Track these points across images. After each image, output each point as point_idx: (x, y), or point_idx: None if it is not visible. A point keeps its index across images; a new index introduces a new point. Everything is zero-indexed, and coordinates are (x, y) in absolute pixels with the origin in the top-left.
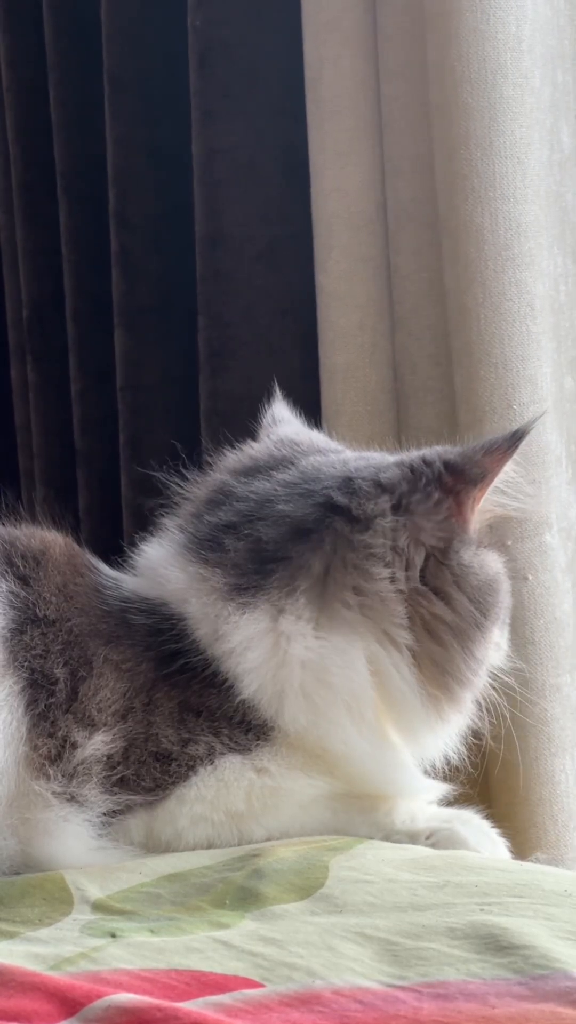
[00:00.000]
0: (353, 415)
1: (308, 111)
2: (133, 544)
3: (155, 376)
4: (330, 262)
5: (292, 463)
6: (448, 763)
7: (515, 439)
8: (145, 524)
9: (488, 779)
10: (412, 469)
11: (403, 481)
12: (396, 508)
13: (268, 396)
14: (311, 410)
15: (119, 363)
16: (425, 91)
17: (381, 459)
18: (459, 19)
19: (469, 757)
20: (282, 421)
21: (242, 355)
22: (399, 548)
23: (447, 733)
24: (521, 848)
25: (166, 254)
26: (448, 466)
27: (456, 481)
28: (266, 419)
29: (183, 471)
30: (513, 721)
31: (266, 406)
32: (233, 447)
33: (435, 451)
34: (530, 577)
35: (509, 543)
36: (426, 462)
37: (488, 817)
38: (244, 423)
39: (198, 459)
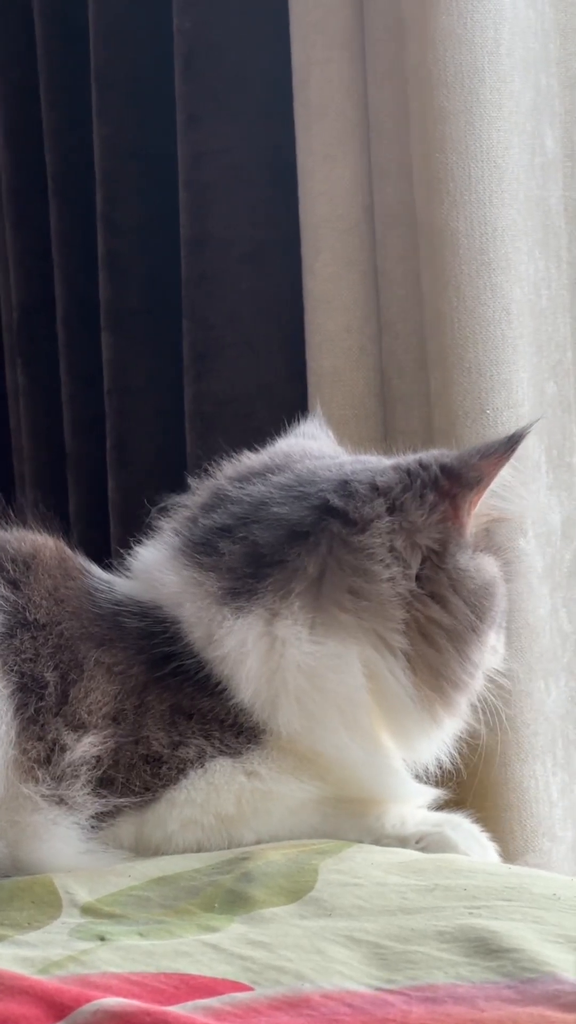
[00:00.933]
0: (340, 419)
1: (296, 114)
2: (121, 547)
3: (142, 379)
4: (317, 265)
5: (288, 468)
6: (440, 767)
7: (512, 443)
8: (132, 527)
9: (464, 783)
10: (408, 472)
11: (399, 484)
12: (392, 511)
13: (251, 399)
14: (297, 414)
15: (106, 366)
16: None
17: (378, 463)
18: (435, 23)
19: (460, 761)
20: (304, 435)
21: (227, 358)
22: (395, 551)
23: (441, 737)
24: None
25: (153, 257)
26: (445, 470)
27: (452, 485)
28: (290, 432)
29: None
30: (484, 726)
31: (258, 409)
32: (222, 451)
33: (432, 455)
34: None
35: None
36: (423, 465)
37: (477, 821)
38: (228, 426)
39: (183, 463)
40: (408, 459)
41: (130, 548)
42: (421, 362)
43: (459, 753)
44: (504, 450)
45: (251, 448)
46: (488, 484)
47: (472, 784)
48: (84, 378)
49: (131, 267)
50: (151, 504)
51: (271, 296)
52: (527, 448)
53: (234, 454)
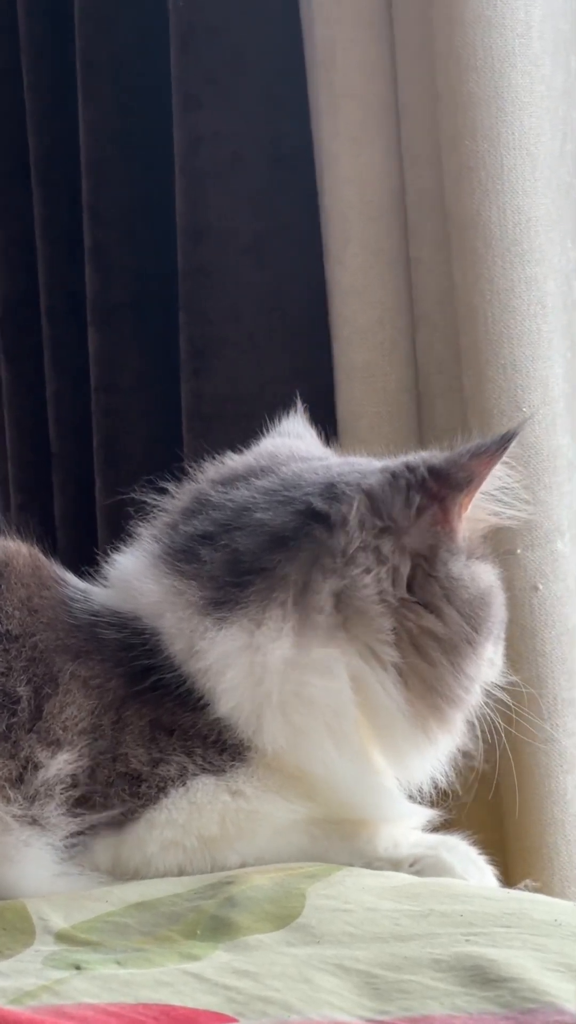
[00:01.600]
0: (373, 417)
1: (319, 96)
2: (107, 551)
3: (131, 377)
4: (346, 255)
5: (272, 471)
6: (436, 787)
7: (503, 442)
8: (120, 531)
9: (482, 803)
10: (395, 475)
11: (386, 486)
12: (379, 515)
13: (253, 398)
14: (307, 415)
15: (93, 363)
16: None
17: (367, 465)
18: (464, 5)
19: (458, 780)
20: (288, 435)
21: (227, 354)
22: (382, 557)
23: (435, 755)
24: (527, 872)
25: (142, 248)
26: (432, 471)
27: (441, 487)
28: (274, 431)
29: (162, 482)
30: (514, 739)
31: (260, 408)
32: (217, 452)
33: (420, 456)
34: (540, 587)
35: (519, 551)
36: (409, 467)
37: (477, 843)
38: (228, 426)
39: (178, 464)
40: (396, 461)
41: (114, 551)
42: (459, 356)
43: (473, 770)
44: (495, 449)
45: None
46: (478, 485)
47: (511, 800)
48: (69, 375)
49: (118, 259)
50: (137, 506)
51: (273, 289)
52: (560, 447)
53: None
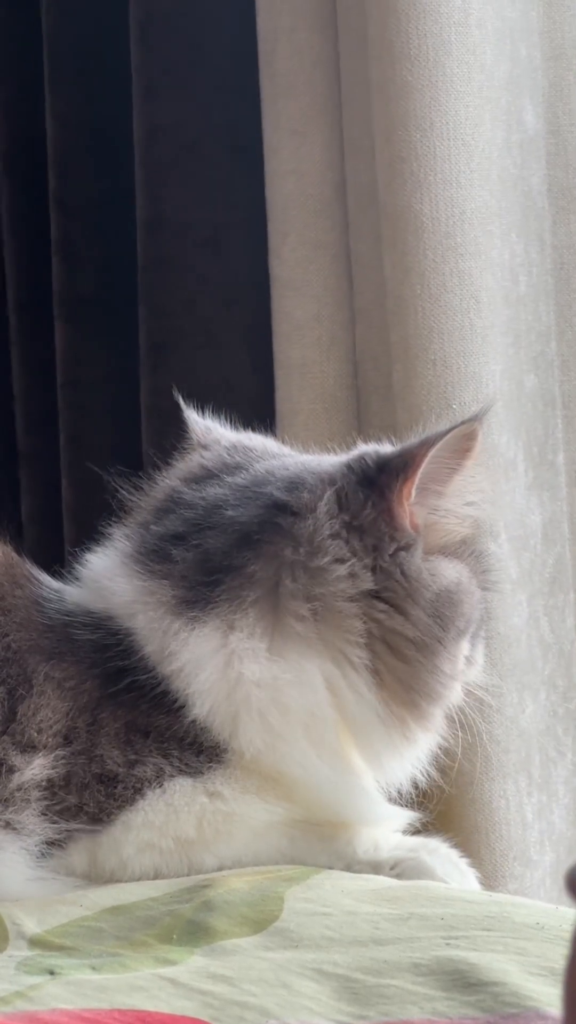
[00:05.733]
0: (310, 413)
1: (262, 87)
2: (75, 549)
3: (98, 371)
4: (285, 249)
5: (245, 468)
6: (416, 787)
7: (451, 429)
8: (86, 528)
9: (430, 804)
10: (349, 466)
11: (341, 478)
12: (340, 506)
13: (211, 392)
14: (260, 407)
15: (59, 358)
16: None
17: (335, 459)
18: None
19: (436, 780)
20: (214, 430)
21: (184, 348)
22: (344, 544)
23: (414, 755)
24: None
25: (109, 241)
26: (378, 462)
27: (383, 476)
28: (196, 431)
29: (133, 477)
30: (460, 743)
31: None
32: (179, 449)
33: (371, 447)
34: None
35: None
36: (359, 458)
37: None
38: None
39: (139, 460)
40: (354, 453)
41: (85, 551)
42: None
43: (434, 772)
44: (436, 439)
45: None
46: (415, 470)
47: (438, 805)
48: (37, 370)
49: (85, 251)
50: (104, 504)
51: (231, 282)
52: (498, 446)
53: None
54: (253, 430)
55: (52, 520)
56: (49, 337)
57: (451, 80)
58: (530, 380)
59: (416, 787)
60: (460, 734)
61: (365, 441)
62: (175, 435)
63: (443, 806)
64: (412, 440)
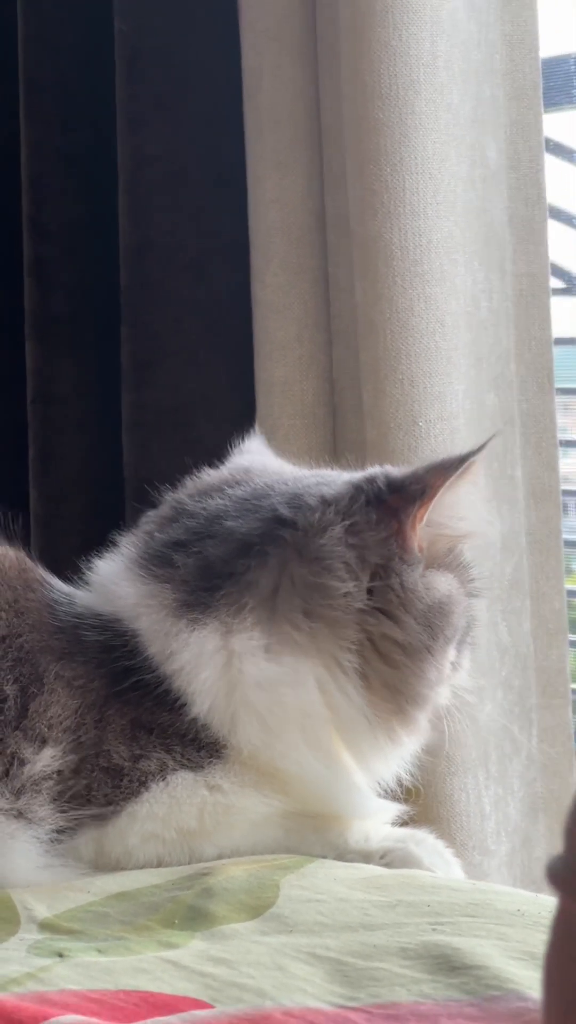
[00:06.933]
0: (289, 429)
1: (246, 120)
2: (42, 557)
3: (67, 388)
4: (268, 274)
5: (245, 483)
6: (401, 784)
7: (464, 460)
8: (53, 537)
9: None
10: (357, 487)
11: (347, 498)
12: (341, 524)
13: (191, 408)
14: (241, 424)
15: (30, 375)
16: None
17: (336, 477)
18: (370, 34)
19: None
20: (247, 452)
21: (169, 366)
22: (345, 565)
23: (400, 755)
24: None
25: (83, 263)
26: (390, 484)
27: (396, 500)
28: (238, 450)
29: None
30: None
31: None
32: (161, 462)
33: (382, 469)
34: None
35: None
36: (370, 480)
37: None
38: (169, 437)
39: (112, 474)
40: (360, 474)
41: (51, 558)
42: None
43: (416, 771)
44: (455, 467)
45: (191, 458)
46: (431, 498)
47: (408, 798)
48: (7, 387)
49: (58, 273)
50: (72, 514)
51: (214, 304)
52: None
53: (177, 465)
54: (234, 446)
55: (17, 530)
56: (15, 355)
57: (419, 118)
58: (491, 399)
59: (400, 784)
60: (437, 733)
61: (339, 457)
62: (156, 450)
63: (413, 800)
64: (424, 466)
